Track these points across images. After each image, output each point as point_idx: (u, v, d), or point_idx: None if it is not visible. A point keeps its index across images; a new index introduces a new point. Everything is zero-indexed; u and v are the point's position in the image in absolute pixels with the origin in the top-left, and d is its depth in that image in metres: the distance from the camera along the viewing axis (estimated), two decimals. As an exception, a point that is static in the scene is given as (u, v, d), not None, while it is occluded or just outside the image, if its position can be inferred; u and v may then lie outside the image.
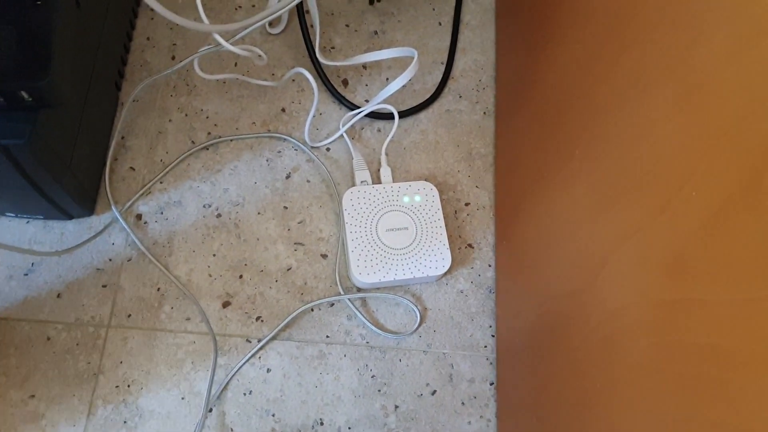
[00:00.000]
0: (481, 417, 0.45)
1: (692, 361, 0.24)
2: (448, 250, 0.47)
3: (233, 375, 0.44)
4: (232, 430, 0.43)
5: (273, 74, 0.53)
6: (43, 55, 0.36)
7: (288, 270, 0.48)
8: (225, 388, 0.44)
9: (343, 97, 0.52)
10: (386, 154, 0.51)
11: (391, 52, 0.50)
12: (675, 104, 0.27)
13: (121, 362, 0.44)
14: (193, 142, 0.50)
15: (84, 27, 0.42)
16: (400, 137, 0.53)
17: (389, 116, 0.52)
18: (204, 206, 0.49)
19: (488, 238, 0.50)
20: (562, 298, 0.37)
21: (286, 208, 0.49)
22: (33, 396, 0.43)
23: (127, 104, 0.50)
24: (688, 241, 0.25)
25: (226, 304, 0.46)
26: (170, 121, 0.51)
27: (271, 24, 0.55)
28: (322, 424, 0.44)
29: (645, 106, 0.29)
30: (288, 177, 0.50)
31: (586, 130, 0.36)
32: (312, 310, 0.47)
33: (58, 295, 0.45)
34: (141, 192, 0.48)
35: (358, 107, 0.52)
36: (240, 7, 0.55)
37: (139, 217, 0.48)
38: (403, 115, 0.52)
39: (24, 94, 0.36)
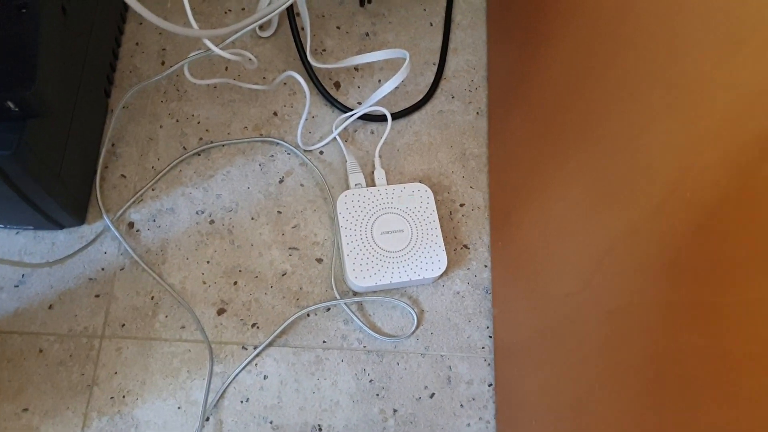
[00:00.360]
0: (480, 419, 0.45)
1: (690, 362, 0.24)
2: (444, 252, 0.46)
3: (230, 383, 0.44)
4: (229, 438, 0.43)
5: (264, 78, 0.53)
6: (28, 64, 0.35)
7: (283, 275, 0.47)
8: (222, 396, 0.44)
9: (336, 100, 0.52)
10: (380, 157, 0.51)
11: (382, 54, 0.49)
12: (668, 104, 0.27)
13: (116, 373, 0.43)
14: (184, 148, 0.50)
15: (71, 34, 0.42)
16: (393, 139, 0.52)
17: (382, 118, 0.52)
18: (197, 213, 0.48)
19: (484, 238, 0.50)
20: (558, 299, 0.37)
21: (279, 212, 0.49)
22: (26, 409, 0.42)
23: (116, 111, 0.49)
24: (684, 242, 0.25)
25: (221, 311, 0.46)
26: (161, 127, 0.50)
27: (261, 27, 0.54)
28: (320, 429, 0.44)
29: (638, 106, 0.29)
30: (281, 181, 0.50)
31: (579, 129, 0.36)
32: (308, 315, 0.46)
33: (50, 307, 0.45)
34: (133, 200, 0.48)
35: (351, 110, 0.52)
36: (230, 10, 0.55)
37: (131, 225, 0.47)
38: (396, 116, 0.52)
39: (10, 104, 0.35)
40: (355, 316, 0.46)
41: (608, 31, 0.33)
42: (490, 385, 0.46)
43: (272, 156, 0.51)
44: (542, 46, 0.43)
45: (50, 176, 0.40)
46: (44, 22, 0.36)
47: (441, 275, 0.48)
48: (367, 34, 0.56)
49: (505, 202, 0.48)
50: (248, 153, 0.51)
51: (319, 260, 0.48)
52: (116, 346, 0.44)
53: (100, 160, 0.48)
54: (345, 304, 0.46)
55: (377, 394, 0.45)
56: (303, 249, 0.48)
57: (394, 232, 0.47)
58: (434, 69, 0.55)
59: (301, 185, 0.50)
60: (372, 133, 0.52)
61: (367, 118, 0.52)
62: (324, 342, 0.46)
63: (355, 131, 0.52)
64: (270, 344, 0.45)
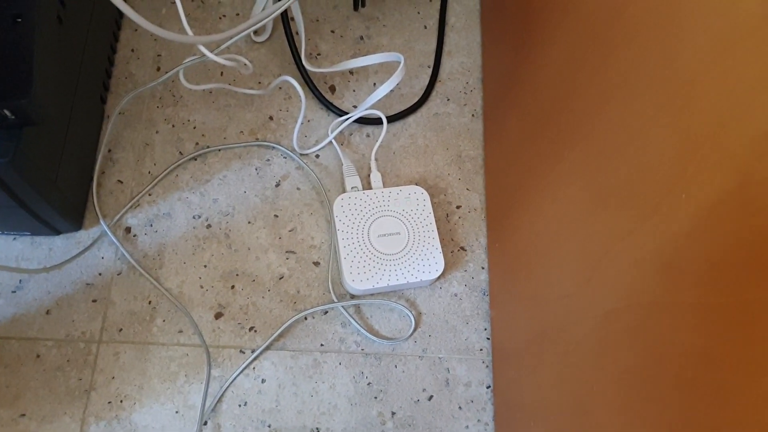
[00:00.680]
0: (478, 421, 0.45)
1: (688, 363, 0.24)
2: (441, 254, 0.47)
3: (228, 387, 0.44)
4: (228, 442, 0.43)
5: (259, 83, 0.53)
6: (24, 73, 0.35)
7: (280, 279, 0.47)
8: (220, 400, 0.44)
9: (331, 104, 0.52)
10: (376, 160, 0.51)
11: (377, 58, 0.50)
12: (662, 106, 0.27)
13: (114, 378, 0.43)
14: (180, 153, 0.50)
15: (66, 42, 0.42)
16: (389, 142, 0.52)
17: (378, 121, 0.52)
18: (194, 217, 0.48)
19: (480, 240, 0.50)
20: (555, 301, 0.37)
21: (276, 216, 0.49)
22: (23, 415, 0.42)
23: (113, 117, 0.50)
24: (680, 242, 0.25)
25: (218, 315, 0.46)
26: (157, 132, 0.51)
27: (256, 32, 0.55)
28: (318, 433, 0.44)
29: (633, 107, 0.30)
30: (278, 185, 0.50)
31: (574, 131, 0.36)
32: (305, 318, 0.46)
33: (48, 312, 0.45)
34: (129, 205, 0.48)
35: (346, 113, 0.52)
36: (224, 16, 0.55)
37: (128, 230, 0.48)
38: (391, 119, 0.52)
39: (6, 112, 0.35)
40: (353, 319, 0.46)
41: (602, 32, 0.33)
42: (488, 387, 0.46)
43: (268, 160, 0.51)
44: (536, 48, 0.43)
45: (47, 183, 0.41)
46: (40, 31, 0.36)
47: (438, 278, 0.48)
48: (362, 38, 0.56)
49: (502, 203, 0.48)
50: (244, 157, 0.51)
51: (316, 263, 0.48)
52: (114, 351, 0.44)
53: (97, 166, 0.48)
54: (342, 307, 0.46)
55: (375, 397, 0.45)
56: (300, 252, 0.48)
57: (391, 235, 0.47)
58: (429, 72, 0.55)
59: (298, 189, 0.50)
60: (368, 136, 0.53)
61: (362, 121, 0.52)
62: (322, 345, 0.46)
63: (351, 135, 0.52)
64: (268, 348, 0.45)
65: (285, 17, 0.51)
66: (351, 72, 0.55)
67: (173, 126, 0.51)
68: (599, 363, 0.31)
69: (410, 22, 0.57)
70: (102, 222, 0.47)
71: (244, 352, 0.45)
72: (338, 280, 0.47)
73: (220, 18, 0.55)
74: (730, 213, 0.23)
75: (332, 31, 0.56)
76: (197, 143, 0.51)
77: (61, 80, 0.41)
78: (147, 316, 0.45)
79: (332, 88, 0.54)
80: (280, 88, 0.53)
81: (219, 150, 0.51)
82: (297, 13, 0.52)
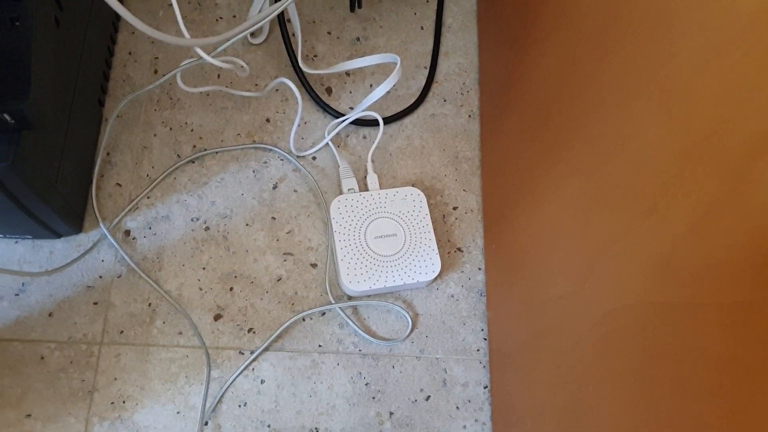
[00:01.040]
0: (476, 421, 0.45)
1: (682, 363, 0.24)
2: (438, 255, 0.47)
3: (227, 387, 0.45)
4: (227, 442, 0.43)
5: (256, 85, 0.53)
6: (23, 76, 0.35)
7: (278, 280, 0.48)
8: (220, 400, 0.44)
9: (328, 106, 0.52)
10: (372, 161, 0.52)
11: (374, 59, 0.50)
12: (659, 106, 0.27)
13: (116, 379, 0.44)
14: (178, 155, 0.50)
15: (64, 45, 0.42)
16: (385, 143, 0.53)
17: (374, 123, 0.52)
18: (192, 219, 0.49)
19: (477, 241, 0.50)
20: (552, 301, 0.37)
21: (274, 218, 0.49)
22: (29, 415, 0.43)
23: (111, 120, 0.50)
24: (676, 243, 0.25)
25: (217, 317, 0.46)
26: (155, 135, 0.51)
27: (252, 34, 0.55)
28: (317, 433, 0.44)
29: (630, 108, 0.30)
30: (275, 187, 0.50)
31: (570, 131, 0.36)
32: (303, 320, 0.47)
33: (50, 314, 0.45)
34: (128, 208, 0.48)
35: (343, 115, 0.52)
36: (221, 18, 0.55)
37: (127, 233, 0.48)
38: (388, 121, 0.53)
39: (5, 116, 0.36)
40: (350, 320, 0.47)
41: (599, 33, 0.33)
42: (485, 387, 0.46)
43: (265, 162, 0.51)
44: (533, 49, 0.43)
45: (47, 186, 0.41)
46: (37, 34, 0.37)
47: (435, 279, 0.48)
48: (358, 39, 0.56)
49: (499, 204, 0.48)
50: (242, 160, 0.51)
51: (314, 265, 0.48)
52: (115, 353, 0.45)
53: (96, 169, 0.49)
54: (340, 308, 0.47)
55: (373, 397, 0.45)
56: (297, 254, 0.48)
57: (388, 237, 0.47)
58: (426, 73, 0.55)
59: (295, 191, 0.50)
60: (364, 137, 0.53)
61: (359, 123, 0.52)
62: (320, 346, 0.46)
63: (348, 136, 0.53)
64: (266, 349, 0.46)
65: (281, 19, 0.51)
66: (347, 73, 0.55)
67: (171, 129, 0.51)
68: (596, 363, 0.31)
69: (407, 23, 0.57)
70: (101, 225, 0.47)
71: (243, 353, 0.45)
72: (335, 281, 0.48)
73: (216, 20, 0.55)
74: (726, 213, 0.23)
75: (329, 33, 0.56)
76: (195, 146, 0.51)
77: (59, 83, 0.41)
78: (147, 318, 0.46)
79: (329, 90, 0.54)
80: (276, 90, 0.53)
81: (216, 153, 0.51)
82: (293, 15, 0.52)
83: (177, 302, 0.46)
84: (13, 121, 0.36)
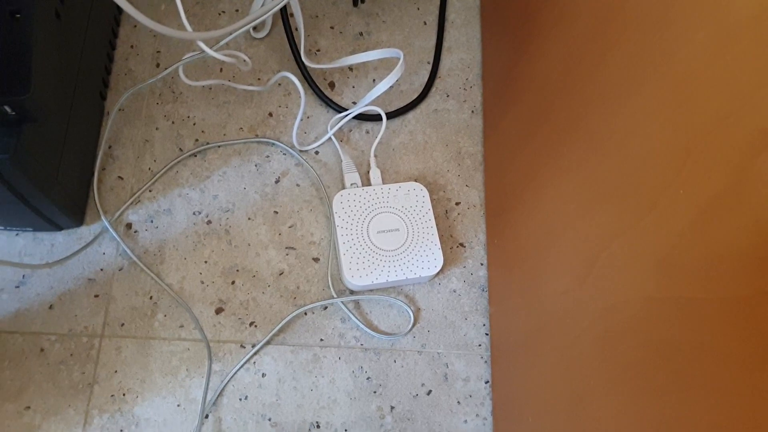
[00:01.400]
0: (477, 415, 0.45)
1: (684, 358, 0.24)
2: (440, 250, 0.47)
3: (228, 381, 0.44)
4: (228, 436, 0.43)
5: (259, 79, 0.53)
6: (24, 69, 0.35)
7: (280, 274, 0.48)
8: (220, 394, 0.44)
9: (330, 100, 0.52)
10: (375, 156, 0.51)
11: (376, 54, 0.50)
12: (660, 102, 0.27)
13: (116, 371, 0.44)
14: (180, 149, 0.50)
15: (65, 38, 0.42)
16: (388, 138, 0.53)
17: (377, 118, 0.52)
18: (194, 213, 0.49)
19: (480, 236, 0.50)
20: (554, 296, 0.37)
21: (276, 212, 0.49)
22: (28, 407, 0.43)
23: (113, 114, 0.50)
24: (677, 238, 0.25)
25: (219, 311, 0.46)
26: (157, 129, 0.51)
27: (255, 28, 0.55)
28: (318, 427, 0.44)
29: (631, 103, 0.30)
30: (277, 181, 0.50)
31: (573, 127, 0.36)
32: (305, 314, 0.47)
33: (51, 307, 0.45)
34: (130, 201, 0.48)
35: (346, 109, 0.52)
36: (223, 12, 0.55)
37: (129, 226, 0.48)
38: (390, 116, 0.52)
39: (6, 108, 0.35)
40: (352, 314, 0.47)
41: (601, 28, 0.33)
42: (486, 382, 0.46)
43: (268, 156, 0.51)
44: (536, 44, 0.43)
45: (48, 179, 0.41)
46: (38, 27, 0.37)
47: (437, 274, 0.48)
48: (361, 34, 0.56)
49: (501, 200, 0.48)
50: (244, 154, 0.51)
51: (316, 259, 0.48)
52: (116, 346, 0.45)
53: (97, 163, 0.48)
54: (342, 302, 0.47)
55: (374, 392, 0.45)
56: (300, 248, 0.48)
57: (390, 231, 0.47)
58: (429, 68, 0.55)
59: (297, 185, 0.50)
60: (367, 132, 0.53)
61: (362, 117, 0.52)
62: (321, 340, 0.46)
63: (350, 131, 0.53)
64: (268, 343, 0.46)
65: (284, 13, 0.51)
66: (350, 68, 0.55)
67: (173, 122, 0.51)
68: (597, 358, 0.31)
69: (410, 18, 0.57)
70: (103, 218, 0.47)
71: (244, 347, 0.45)
72: (338, 276, 0.48)
73: (219, 14, 0.55)
74: (727, 209, 0.23)
75: (332, 27, 0.56)
76: (197, 140, 0.51)
77: (60, 76, 0.41)
78: (148, 311, 0.46)
79: (331, 85, 0.54)
80: (279, 84, 0.53)
81: (218, 147, 0.51)
82: (296, 9, 0.51)
83: (178, 295, 0.46)
84: (14, 114, 0.36)
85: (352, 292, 0.47)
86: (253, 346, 0.45)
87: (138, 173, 0.49)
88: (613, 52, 0.31)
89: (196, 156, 0.50)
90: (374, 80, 0.54)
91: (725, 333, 0.22)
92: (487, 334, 0.48)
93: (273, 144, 0.51)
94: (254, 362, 0.45)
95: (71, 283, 0.46)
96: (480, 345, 0.47)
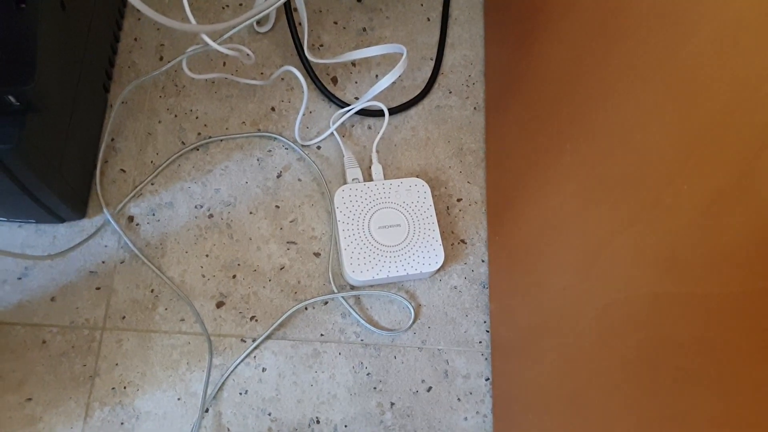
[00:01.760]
0: (477, 413, 0.45)
1: (686, 354, 0.24)
2: (441, 247, 0.47)
3: (229, 375, 0.45)
4: (228, 430, 0.43)
5: (262, 73, 0.53)
6: (28, 59, 0.35)
7: (281, 269, 0.48)
8: (221, 388, 0.44)
9: (333, 95, 0.52)
10: (377, 152, 0.51)
11: (379, 49, 0.50)
12: (664, 97, 0.27)
13: (117, 364, 0.44)
14: (183, 142, 0.50)
15: (70, 29, 0.42)
16: (390, 134, 0.53)
17: (379, 113, 0.52)
18: (195, 207, 0.49)
19: (481, 233, 0.50)
20: (555, 293, 0.37)
21: (277, 207, 0.49)
22: (30, 399, 0.43)
23: (116, 106, 0.50)
24: (681, 234, 0.25)
25: (220, 305, 0.46)
26: (159, 122, 0.51)
27: (258, 23, 0.55)
28: (318, 422, 0.44)
29: (634, 99, 0.30)
30: (279, 176, 0.50)
31: (576, 123, 0.36)
32: (306, 308, 0.47)
33: (52, 299, 0.45)
34: (132, 194, 0.48)
35: (348, 105, 0.52)
36: (227, 6, 0.55)
37: (131, 219, 0.48)
38: (393, 111, 0.52)
39: (11, 98, 0.35)
40: (353, 309, 0.47)
41: (605, 25, 0.33)
42: (487, 379, 0.46)
43: (270, 151, 0.51)
44: (539, 41, 0.43)
45: (51, 170, 0.41)
46: (43, 17, 0.37)
47: (438, 270, 0.48)
48: (364, 30, 0.56)
49: (503, 196, 0.48)
50: (246, 148, 0.51)
51: (317, 254, 0.48)
52: (117, 338, 0.45)
53: (100, 155, 0.49)
54: (342, 297, 0.47)
55: (375, 387, 0.45)
56: (301, 243, 0.48)
57: (392, 227, 0.47)
58: (431, 64, 0.55)
59: (299, 180, 0.50)
60: (369, 128, 0.53)
61: (364, 113, 0.52)
62: (322, 335, 0.46)
63: (353, 126, 0.52)
64: (268, 337, 0.46)
65: (288, 8, 0.51)
66: (353, 63, 0.54)
67: (175, 116, 0.51)
68: (599, 354, 0.31)
69: (413, 14, 0.57)
70: (105, 211, 0.47)
71: (245, 341, 0.45)
72: (338, 271, 0.48)
73: (223, 8, 0.55)
74: (732, 204, 0.23)
75: (335, 23, 0.56)
76: (199, 133, 0.51)
77: (64, 67, 0.41)
78: (149, 304, 0.46)
79: (334, 80, 0.54)
80: (282, 78, 0.53)
81: (221, 140, 0.51)
82: (300, 4, 0.51)
83: (180, 289, 0.46)
84: (18, 104, 0.36)
85: (352, 288, 0.47)
86: (254, 340, 0.45)
87: (140, 166, 0.49)
88: (618, 47, 0.31)
89: (198, 149, 0.50)
90: (377, 76, 0.54)
91: (730, 329, 0.22)
92: (487, 331, 0.47)
93: (275, 138, 0.51)
94: (255, 356, 0.45)
95: (73, 275, 0.46)
96: (480, 342, 0.47)
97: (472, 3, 0.58)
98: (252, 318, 0.46)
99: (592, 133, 0.34)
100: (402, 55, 0.48)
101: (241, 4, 0.55)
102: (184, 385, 0.44)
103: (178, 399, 0.44)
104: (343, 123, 0.52)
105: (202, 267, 0.47)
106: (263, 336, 0.45)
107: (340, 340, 0.46)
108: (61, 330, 0.45)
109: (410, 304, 0.47)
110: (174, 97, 0.52)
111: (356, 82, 0.54)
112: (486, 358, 0.47)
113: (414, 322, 0.47)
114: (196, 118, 0.51)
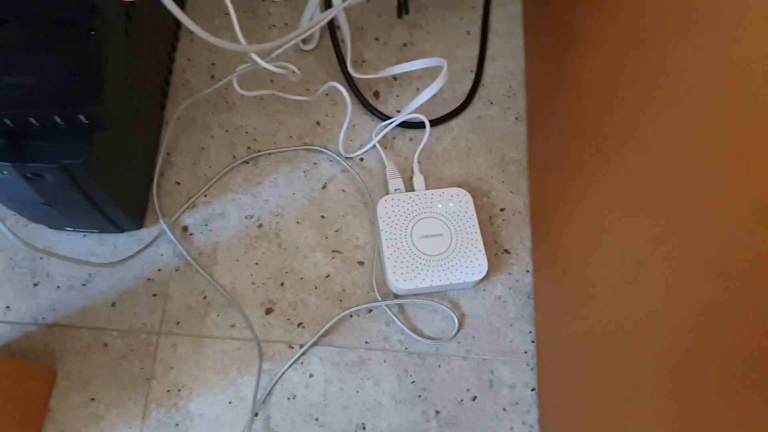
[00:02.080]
0: (523, 423, 0.45)
1: (734, 363, 0.24)
2: (484, 256, 0.47)
3: (277, 380, 0.46)
4: (277, 433, 0.45)
5: (307, 89, 0.55)
6: (97, 81, 0.38)
7: (326, 277, 0.49)
8: (270, 393, 0.46)
9: (375, 109, 0.54)
10: (419, 162, 0.52)
11: (420, 63, 0.51)
12: (708, 105, 0.27)
13: (172, 368, 0.46)
14: (234, 156, 0.53)
15: (132, 53, 0.45)
16: (432, 145, 0.53)
17: (421, 125, 0.53)
18: (246, 217, 0.51)
19: (525, 243, 0.50)
20: (601, 302, 0.37)
21: (323, 217, 0.51)
22: (93, 399, 0.45)
23: (171, 123, 0.53)
24: (726, 242, 0.25)
25: (268, 311, 0.48)
26: (212, 137, 0.53)
27: (304, 41, 0.57)
28: (364, 428, 0.45)
29: (679, 108, 0.29)
30: (324, 187, 0.52)
31: (619, 131, 0.36)
32: (351, 316, 0.48)
33: (113, 304, 0.48)
34: (186, 205, 0.51)
35: (390, 118, 0.53)
36: (274, 26, 0.58)
37: (185, 229, 0.50)
38: (434, 123, 0.53)
39: (81, 117, 0.38)
40: (397, 318, 0.47)
41: (646, 34, 0.33)
42: (532, 389, 0.46)
43: (315, 163, 0.53)
44: (579, 51, 0.43)
45: (114, 183, 0.44)
46: (110, 43, 0.39)
47: (482, 279, 0.48)
48: (405, 45, 0.57)
49: (546, 206, 0.48)
50: (293, 161, 0.53)
51: (361, 263, 0.49)
52: (172, 343, 0.47)
53: (157, 169, 0.51)
54: (386, 306, 0.47)
55: (419, 396, 0.46)
56: (345, 252, 0.50)
57: (434, 236, 0.48)
58: (472, 76, 0.56)
59: (343, 191, 0.52)
60: (411, 139, 0.54)
61: (405, 125, 0.53)
62: (367, 343, 0.47)
63: (394, 138, 0.54)
64: (315, 344, 0.47)
65: (331, 26, 0.53)
66: (395, 78, 0.56)
67: (227, 131, 0.54)
68: (646, 363, 0.31)
69: (453, 28, 0.58)
70: (161, 221, 0.50)
71: (292, 347, 0.47)
72: (382, 279, 0.49)
73: (269, 28, 0.58)
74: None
75: (377, 39, 0.57)
76: (249, 147, 0.53)
77: (127, 88, 0.44)
78: (202, 310, 0.48)
79: (376, 94, 0.55)
80: (326, 94, 0.55)
81: (269, 154, 0.53)
82: (343, 22, 0.53)
83: (230, 296, 0.48)
84: (87, 122, 0.39)
85: (396, 296, 0.48)
86: (301, 346, 0.47)
87: (194, 179, 0.52)
88: (661, 57, 0.31)
89: (248, 162, 0.53)
90: (418, 89, 0.55)
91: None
92: (533, 342, 0.47)
93: (320, 151, 0.53)
94: (302, 362, 0.46)
95: (132, 282, 0.49)
96: (526, 352, 0.47)
97: (511, 15, 0.58)
98: (299, 324, 0.48)
99: (635, 141, 0.34)
100: (442, 68, 0.49)
101: (286, 24, 0.58)
102: (234, 389, 0.46)
103: (229, 402, 0.45)
104: (385, 135, 0.53)
105: (251, 275, 0.49)
106: (310, 342, 0.47)
107: (384, 348, 0.47)
108: (121, 334, 0.47)
109: (454, 313, 0.48)
110: (225, 113, 0.54)
111: (398, 96, 0.55)
112: (532, 369, 0.46)
113: (458, 331, 0.47)
114: (246, 132, 0.54)
